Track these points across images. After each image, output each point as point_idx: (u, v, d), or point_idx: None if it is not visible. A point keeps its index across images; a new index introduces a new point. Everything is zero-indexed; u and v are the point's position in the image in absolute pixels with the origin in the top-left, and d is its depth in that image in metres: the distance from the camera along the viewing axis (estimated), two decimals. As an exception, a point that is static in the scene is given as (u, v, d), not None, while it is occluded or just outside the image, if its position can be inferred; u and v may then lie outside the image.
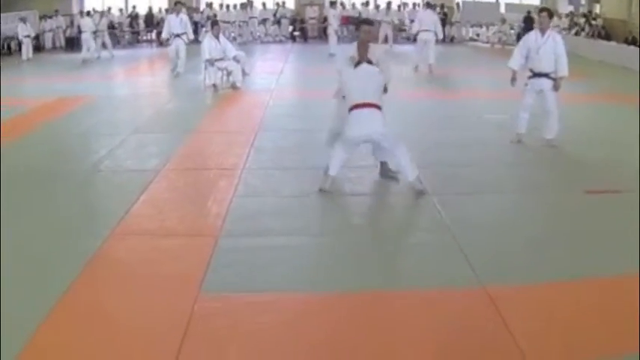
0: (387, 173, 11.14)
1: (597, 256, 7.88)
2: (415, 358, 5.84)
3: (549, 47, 12.89)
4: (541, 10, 13.58)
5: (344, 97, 10.49)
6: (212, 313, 6.59)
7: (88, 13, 35.45)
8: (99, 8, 40.16)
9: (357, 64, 10.40)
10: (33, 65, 31.52)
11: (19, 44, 34.44)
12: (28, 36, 33.84)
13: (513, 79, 13.57)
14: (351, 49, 10.79)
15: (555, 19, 38.65)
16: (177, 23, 25.42)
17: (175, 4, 26.20)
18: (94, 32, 33.02)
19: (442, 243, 8.35)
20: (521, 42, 13.77)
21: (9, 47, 36.80)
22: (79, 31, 37.92)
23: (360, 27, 10.96)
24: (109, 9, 40.53)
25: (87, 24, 33.09)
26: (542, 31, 13.07)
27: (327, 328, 6.32)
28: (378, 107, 10.18)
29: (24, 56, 33.08)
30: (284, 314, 6.63)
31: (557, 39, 13.04)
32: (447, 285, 7.17)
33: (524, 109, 13.40)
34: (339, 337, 6.14)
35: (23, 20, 33.83)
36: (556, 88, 12.98)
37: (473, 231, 8.74)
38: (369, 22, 11.50)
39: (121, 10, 42.73)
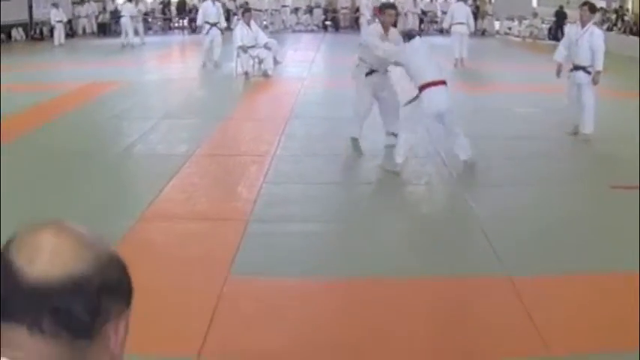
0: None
1: (622, 250, 7.87)
2: (439, 344, 5.90)
3: (586, 40, 12.90)
4: (583, 3, 13.57)
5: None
6: (240, 295, 6.68)
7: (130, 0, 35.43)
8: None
9: (411, 36, 11.38)
10: (65, 50, 31.68)
11: (51, 30, 34.59)
12: (61, 21, 33.95)
13: (558, 72, 13.69)
14: (374, 31, 11.74)
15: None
16: (213, 11, 24.41)
17: None
18: (132, 17, 32.85)
19: (470, 233, 8.41)
20: (565, 35, 13.89)
21: (41, 32, 36.97)
22: (112, 17, 38.17)
23: (385, 11, 11.96)
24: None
25: (127, 9, 33.01)
26: (583, 24, 13.11)
27: (352, 311, 6.40)
28: (446, 83, 11.11)
29: (56, 41, 33.17)
30: (310, 298, 6.71)
31: (595, 32, 13.03)
32: (473, 274, 7.22)
33: (568, 100, 13.55)
34: (364, 321, 6.21)
35: (56, 6, 33.91)
36: (594, 82, 12.93)
37: (501, 222, 8.77)
38: (394, 6, 12.46)
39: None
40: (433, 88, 10.78)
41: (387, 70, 11.94)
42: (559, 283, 7.03)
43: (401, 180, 10.77)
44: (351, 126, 12.22)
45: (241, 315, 6.27)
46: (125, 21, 32.14)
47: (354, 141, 12.01)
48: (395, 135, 11.61)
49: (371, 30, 12.08)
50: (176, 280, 7.05)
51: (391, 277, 7.11)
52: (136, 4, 35.20)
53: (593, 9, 13.44)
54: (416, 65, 10.99)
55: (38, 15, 36.34)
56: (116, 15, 38.68)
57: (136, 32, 32.77)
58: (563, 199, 9.91)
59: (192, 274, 7.17)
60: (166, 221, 8.79)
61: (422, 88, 10.80)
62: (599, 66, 12.82)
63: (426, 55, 11.24)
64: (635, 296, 6.67)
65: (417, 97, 10.97)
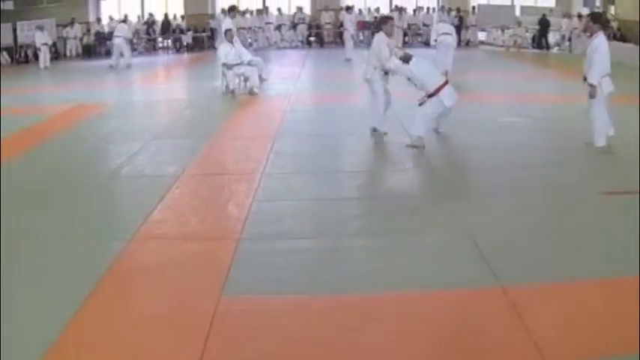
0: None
1: (615, 256, 7.91)
2: (433, 358, 5.90)
3: (588, 52, 12.67)
4: (587, 15, 13.50)
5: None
6: (234, 314, 6.66)
7: (124, 20, 35.23)
8: (115, 16, 40.29)
9: (408, 58, 13.65)
10: (51, 73, 31.64)
11: (36, 52, 34.57)
12: (46, 44, 33.93)
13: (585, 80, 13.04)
14: (383, 39, 14.04)
15: (566, 20, 38.57)
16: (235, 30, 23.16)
17: (232, 8, 24.63)
18: (125, 39, 32.47)
19: (460, 244, 8.39)
20: None
21: (26, 55, 37.00)
22: (97, 39, 38.15)
23: (388, 21, 14.52)
24: (126, 16, 40.38)
25: (123, 30, 32.66)
26: (590, 36, 12.82)
27: (347, 329, 6.37)
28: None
29: (41, 64, 33.17)
30: (305, 316, 6.70)
31: (594, 44, 12.59)
32: (466, 286, 7.22)
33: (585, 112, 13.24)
34: (360, 338, 6.19)
35: (40, 28, 33.89)
36: (590, 94, 12.55)
37: (491, 231, 8.79)
38: (392, 17, 15.48)
39: (138, 16, 42.80)
40: (446, 88, 13.42)
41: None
42: (554, 291, 7.04)
43: (392, 195, 10.82)
44: (373, 120, 14.27)
45: (236, 334, 6.26)
46: (120, 42, 31.81)
47: (374, 131, 14.19)
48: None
49: (380, 41, 14.08)
50: (169, 300, 7.03)
51: (385, 293, 7.12)
52: (126, 23, 35.00)
53: (595, 19, 13.05)
54: (424, 77, 13.45)
55: (22, 38, 36.35)
56: (101, 36, 38.69)
57: (122, 54, 32.23)
58: (554, 206, 9.93)
59: (185, 294, 7.16)
60: (157, 242, 8.76)
61: (437, 90, 13.28)
62: (591, 78, 12.48)
63: (429, 67, 13.89)
64: (631, 301, 6.72)
65: (429, 98, 13.34)
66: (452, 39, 24.44)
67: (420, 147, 13.10)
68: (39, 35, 33.61)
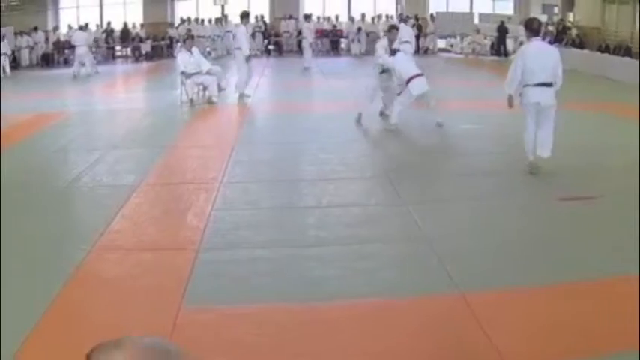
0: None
1: (572, 261, 8.00)
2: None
3: None
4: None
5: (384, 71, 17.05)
6: (194, 325, 6.64)
7: (81, 28, 34.90)
8: (74, 24, 40.03)
9: (394, 52, 16.92)
10: (10, 82, 31.31)
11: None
12: (5, 53, 33.61)
13: None
14: (383, 44, 17.69)
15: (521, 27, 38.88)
16: (248, 38, 22.81)
17: (245, 14, 23.50)
18: (73, 47, 32.19)
19: (419, 251, 8.45)
20: None
21: (-17, 65, 36.67)
22: (55, 48, 37.85)
23: (391, 30, 18.03)
24: (87, 24, 40.01)
25: (81, 38, 32.39)
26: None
27: (307, 338, 6.39)
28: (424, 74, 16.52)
29: (0, 73, 32.86)
30: (265, 325, 6.69)
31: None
32: (425, 293, 7.27)
33: None
34: (320, 347, 6.21)
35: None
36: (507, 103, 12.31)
37: (449, 239, 8.85)
38: (397, 27, 18.83)
39: (97, 25, 42.57)
40: (417, 79, 15.99)
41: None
42: (512, 297, 7.10)
43: (351, 203, 10.83)
44: (363, 104, 17.36)
45: (196, 346, 6.23)
46: (83, 51, 31.57)
47: (359, 115, 17.19)
48: (386, 115, 17.07)
49: (381, 44, 17.80)
50: (128, 312, 6.99)
51: (345, 301, 7.14)
52: (85, 30, 34.73)
53: (525, 26, 12.84)
54: (402, 68, 16.26)
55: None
56: (59, 46, 38.45)
57: (82, 63, 31.86)
58: (512, 212, 10.02)
59: (145, 305, 7.13)
60: (116, 252, 8.71)
61: (409, 80, 15.91)
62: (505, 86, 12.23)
63: (408, 60, 16.89)
64: (589, 305, 6.80)
65: (406, 87, 15.96)
66: (410, 47, 24.54)
67: (392, 130, 16.04)
68: (-2, 44, 33.36)
